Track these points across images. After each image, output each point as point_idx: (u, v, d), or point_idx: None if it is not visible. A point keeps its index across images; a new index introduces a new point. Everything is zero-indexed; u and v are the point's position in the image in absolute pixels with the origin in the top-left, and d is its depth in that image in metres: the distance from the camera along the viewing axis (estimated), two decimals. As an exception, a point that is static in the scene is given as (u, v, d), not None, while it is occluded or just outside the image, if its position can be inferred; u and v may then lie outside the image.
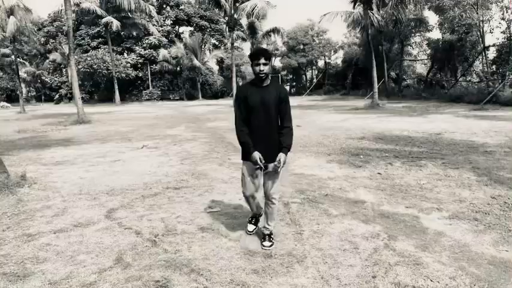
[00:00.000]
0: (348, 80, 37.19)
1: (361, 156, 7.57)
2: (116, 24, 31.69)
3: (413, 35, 28.20)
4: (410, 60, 30.56)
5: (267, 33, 37.20)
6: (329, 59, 42.92)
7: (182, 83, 47.42)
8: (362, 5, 18.65)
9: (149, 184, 6.02)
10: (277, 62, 48.30)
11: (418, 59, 29.90)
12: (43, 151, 9.52)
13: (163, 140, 10.81)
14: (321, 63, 44.00)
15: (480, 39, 20.02)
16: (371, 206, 4.67)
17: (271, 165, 3.42)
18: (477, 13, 17.85)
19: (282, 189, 5.51)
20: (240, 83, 50.12)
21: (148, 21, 41.88)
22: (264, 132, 3.41)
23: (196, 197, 5.28)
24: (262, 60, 3.26)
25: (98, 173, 6.94)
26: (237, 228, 4.08)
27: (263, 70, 3.27)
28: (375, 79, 19.36)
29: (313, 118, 15.58)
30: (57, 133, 13.54)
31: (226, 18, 26.03)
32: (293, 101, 31.77)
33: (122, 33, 41.28)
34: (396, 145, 8.67)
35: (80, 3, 30.06)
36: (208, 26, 48.35)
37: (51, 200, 5.33)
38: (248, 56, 3.36)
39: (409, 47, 29.53)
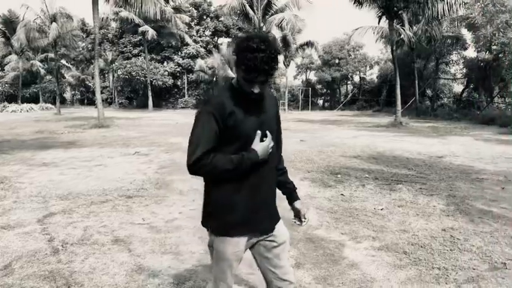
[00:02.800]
0: (382, 96, 36.17)
1: (339, 176, 7.23)
2: (151, 33, 32.80)
3: (449, 52, 27.03)
4: (445, 78, 29.25)
5: (301, 47, 37.24)
6: (364, 74, 42.01)
7: (217, 93, 48.19)
8: (388, 21, 18.08)
9: (107, 190, 6.04)
10: (311, 76, 48.01)
11: (453, 77, 28.57)
12: (41, 152, 9.88)
13: (160, 147, 10.91)
14: (356, 78, 43.17)
15: (515, 58, 18.84)
16: (304, 229, 4.39)
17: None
18: (510, 31, 16.80)
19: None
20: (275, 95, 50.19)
21: (186, 32, 43.01)
22: (262, 178, 1.94)
23: (141, 207, 5.22)
24: (262, 78, 1.77)
25: (70, 176, 7.08)
26: (148, 243, 3.96)
27: (258, 92, 1.81)
28: (399, 97, 18.64)
29: (324, 133, 15.19)
30: (70, 135, 14.06)
31: (255, 30, 26.13)
32: (321, 114, 31.48)
33: (162, 42, 42.72)
34: (386, 166, 8.22)
35: (120, 12, 31.36)
36: (246, 37, 48.89)
37: (4, 199, 5.47)
38: (237, 56, 1.78)
39: (444, 65, 28.31)
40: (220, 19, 48.92)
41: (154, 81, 41.81)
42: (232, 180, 1.86)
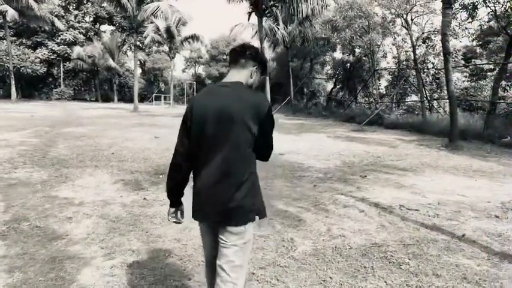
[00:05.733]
0: (264, 93, 37.15)
1: (161, 176, 6.72)
2: (11, 13, 28.88)
3: (323, 53, 28.62)
4: (318, 78, 31.06)
5: (186, 39, 36.40)
6: (249, 71, 42.84)
7: (99, 84, 44.93)
8: (257, 18, 18.26)
9: None
10: (200, 70, 47.51)
11: (326, 77, 30.46)
12: None
13: (-24, 145, 9.30)
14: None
15: (371, 61, 20.54)
16: (61, 245, 3.75)
17: None
18: (367, 35, 18.20)
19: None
20: (163, 89, 48.63)
21: (63, 16, 39.15)
22: None
23: None
24: None
25: None
26: None
27: None
28: (268, 94, 19.02)
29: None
30: None
31: (130, 18, 24.64)
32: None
33: (32, 26, 38.17)
34: (220, 165, 7.95)
35: (-29, -13, 26.97)
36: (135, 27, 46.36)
37: None
38: (263, 63, 2.22)
39: (319, 65, 29.98)
40: (102, 5, 45.59)
41: (22, 68, 37.29)
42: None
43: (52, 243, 3.81)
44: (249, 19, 19.61)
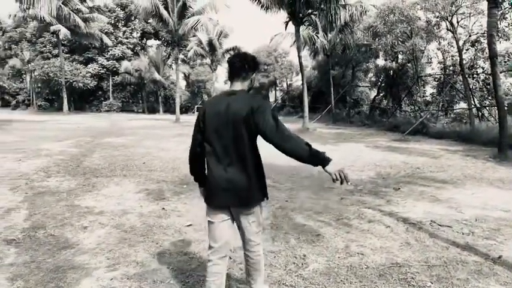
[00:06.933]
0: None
1: (185, 186, 6.68)
2: (63, 32, 30.64)
3: (365, 60, 27.79)
4: (360, 86, 30.21)
5: (227, 51, 36.94)
6: (290, 80, 42.64)
7: (146, 96, 46.59)
8: (295, 26, 18.11)
9: None
10: (242, 81, 47.88)
11: (369, 85, 29.54)
12: None
13: (17, 154, 9.78)
14: (284, 84, 43.71)
15: (415, 68, 19.67)
16: (69, 254, 3.73)
17: None
18: (410, 41, 17.46)
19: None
20: (206, 99, 49.68)
21: (112, 33, 41.23)
22: None
23: None
24: None
25: None
26: None
27: None
28: (306, 103, 18.73)
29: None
30: None
31: (172, 32, 25.33)
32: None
33: (85, 43, 40.37)
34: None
35: (28, 9, 28.95)
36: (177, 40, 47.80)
37: None
38: (257, 67, 2.70)
39: (361, 72, 29.17)
40: (148, 21, 47.43)
41: (74, 83, 39.51)
42: None
43: (61, 252, 3.81)
44: (286, 28, 19.49)
